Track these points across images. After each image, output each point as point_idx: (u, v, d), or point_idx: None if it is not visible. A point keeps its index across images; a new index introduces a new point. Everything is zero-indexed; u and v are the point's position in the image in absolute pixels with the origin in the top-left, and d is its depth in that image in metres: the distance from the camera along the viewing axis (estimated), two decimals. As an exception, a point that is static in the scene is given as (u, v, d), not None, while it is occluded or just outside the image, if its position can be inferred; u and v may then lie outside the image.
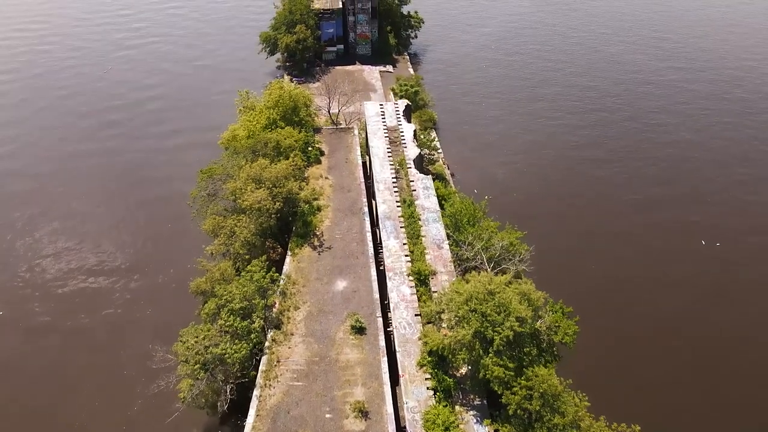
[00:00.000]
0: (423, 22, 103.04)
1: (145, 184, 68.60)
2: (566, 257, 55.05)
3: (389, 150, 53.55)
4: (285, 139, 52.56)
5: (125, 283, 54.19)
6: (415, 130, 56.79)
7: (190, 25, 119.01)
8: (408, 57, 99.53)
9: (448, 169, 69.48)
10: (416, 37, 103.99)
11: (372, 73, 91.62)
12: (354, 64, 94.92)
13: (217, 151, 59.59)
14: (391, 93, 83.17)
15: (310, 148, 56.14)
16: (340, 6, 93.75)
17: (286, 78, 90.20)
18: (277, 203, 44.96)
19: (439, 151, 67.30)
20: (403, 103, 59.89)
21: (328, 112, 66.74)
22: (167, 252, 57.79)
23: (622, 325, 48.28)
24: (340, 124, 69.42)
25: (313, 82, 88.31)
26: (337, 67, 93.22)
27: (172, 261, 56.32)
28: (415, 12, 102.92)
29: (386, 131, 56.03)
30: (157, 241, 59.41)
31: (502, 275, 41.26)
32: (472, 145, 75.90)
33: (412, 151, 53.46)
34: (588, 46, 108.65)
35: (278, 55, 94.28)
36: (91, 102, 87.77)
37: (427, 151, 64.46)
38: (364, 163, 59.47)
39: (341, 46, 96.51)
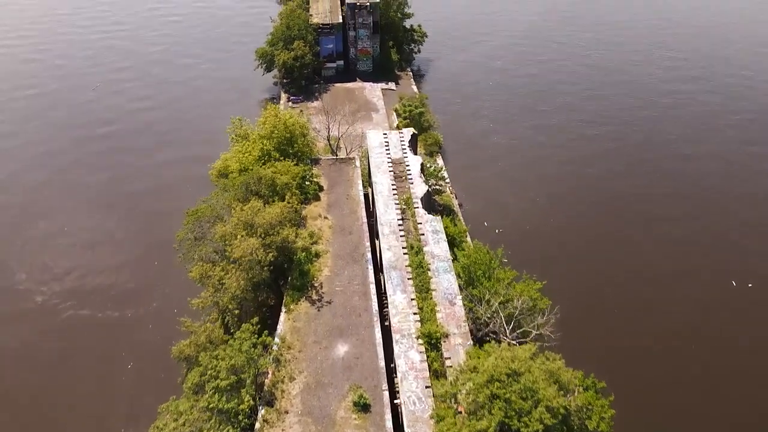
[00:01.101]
0: (426, 36, 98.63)
1: (134, 209, 64.31)
2: (588, 304, 50.43)
3: (394, 186, 48.98)
4: (280, 175, 47.97)
5: (105, 328, 49.70)
6: (422, 164, 52.23)
7: (184, 39, 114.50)
8: (411, 73, 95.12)
9: (456, 198, 64.87)
10: (419, 51, 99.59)
11: (373, 90, 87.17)
12: (354, 80, 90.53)
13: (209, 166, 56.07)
14: (394, 114, 78.78)
15: (307, 183, 51.57)
16: (340, 21, 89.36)
17: (284, 96, 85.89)
18: (270, 254, 40.34)
19: (447, 180, 62.76)
20: (408, 133, 55.33)
21: (327, 139, 62.09)
22: (153, 293, 53.26)
23: (662, 393, 43.66)
24: (340, 149, 64.97)
25: (312, 101, 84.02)
26: (337, 85, 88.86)
27: (158, 304, 51.82)
28: (419, 26, 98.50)
29: (390, 164, 51.48)
30: (142, 279, 54.88)
31: (523, 339, 36.91)
32: (480, 170, 71.32)
33: (419, 188, 48.89)
34: (599, 63, 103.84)
35: (275, 71, 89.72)
36: (80, 118, 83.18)
37: (434, 182, 60.04)
38: (366, 195, 54.98)
39: (341, 62, 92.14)
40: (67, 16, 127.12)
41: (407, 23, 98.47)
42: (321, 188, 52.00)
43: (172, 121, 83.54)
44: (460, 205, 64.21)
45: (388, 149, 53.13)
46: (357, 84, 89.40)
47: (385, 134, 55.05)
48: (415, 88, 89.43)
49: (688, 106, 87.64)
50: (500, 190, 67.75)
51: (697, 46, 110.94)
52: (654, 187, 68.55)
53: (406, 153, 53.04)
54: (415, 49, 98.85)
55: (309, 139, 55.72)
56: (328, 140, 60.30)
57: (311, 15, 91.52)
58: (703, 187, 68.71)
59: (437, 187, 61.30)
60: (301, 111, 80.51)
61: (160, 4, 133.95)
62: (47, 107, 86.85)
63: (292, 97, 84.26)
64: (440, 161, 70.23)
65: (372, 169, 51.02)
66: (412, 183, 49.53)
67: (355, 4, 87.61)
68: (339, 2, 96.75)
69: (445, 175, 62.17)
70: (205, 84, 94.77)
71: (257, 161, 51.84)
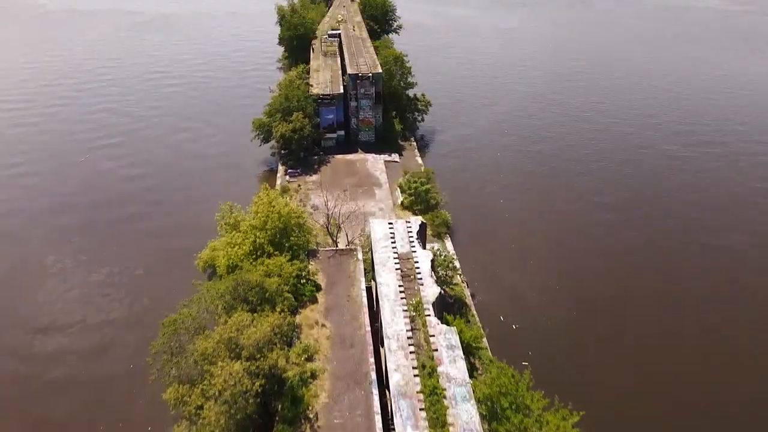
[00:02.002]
0: (430, 105, 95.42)
1: (108, 295, 58.03)
2: None
3: (402, 288, 43.09)
4: (271, 278, 42.23)
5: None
6: (432, 260, 46.53)
7: (180, 106, 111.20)
8: (415, 143, 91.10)
9: (468, 287, 58.95)
10: (423, 120, 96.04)
11: (376, 163, 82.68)
12: (356, 151, 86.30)
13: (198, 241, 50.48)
14: (398, 190, 74.01)
15: (303, 281, 45.70)
16: (341, 91, 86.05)
17: (281, 169, 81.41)
18: (257, 383, 34.00)
19: (457, 268, 56.93)
20: (416, 222, 49.90)
21: (326, 227, 56.52)
22: (125, 405, 46.35)
23: None
24: (341, 231, 59.45)
25: (311, 174, 79.39)
26: (338, 156, 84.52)
27: (130, 420, 44.88)
28: (422, 94, 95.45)
29: (397, 260, 45.76)
30: (116, 383, 48.04)
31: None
32: (492, 253, 65.58)
33: (430, 290, 42.99)
34: (615, 131, 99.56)
35: (273, 141, 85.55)
36: (65, 193, 78.15)
37: (444, 272, 54.27)
38: (369, 288, 49.14)
39: (342, 133, 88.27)
40: (68, 83, 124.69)
41: (410, 92, 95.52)
42: (318, 288, 46.06)
43: (162, 192, 78.55)
44: (473, 296, 58.18)
45: (394, 242, 47.57)
46: (358, 155, 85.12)
47: (391, 224, 49.60)
48: (419, 159, 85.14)
49: (716, 180, 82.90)
50: (515, 277, 61.82)
51: (724, 117, 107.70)
52: (689, 269, 62.75)
53: (414, 246, 47.43)
54: (419, 118, 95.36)
55: (306, 229, 50.21)
56: (327, 228, 54.69)
57: (311, 85, 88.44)
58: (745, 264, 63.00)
59: (448, 276, 55.57)
60: (299, 186, 76.10)
61: (158, 71, 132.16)
62: (25, 183, 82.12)
63: (289, 170, 79.71)
64: (449, 244, 64.78)
65: (376, 267, 45.27)
66: (422, 284, 43.64)
67: (357, 74, 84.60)
68: (340, 72, 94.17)
69: (457, 264, 56.42)
70: (200, 153, 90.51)
71: (248, 256, 46.26)
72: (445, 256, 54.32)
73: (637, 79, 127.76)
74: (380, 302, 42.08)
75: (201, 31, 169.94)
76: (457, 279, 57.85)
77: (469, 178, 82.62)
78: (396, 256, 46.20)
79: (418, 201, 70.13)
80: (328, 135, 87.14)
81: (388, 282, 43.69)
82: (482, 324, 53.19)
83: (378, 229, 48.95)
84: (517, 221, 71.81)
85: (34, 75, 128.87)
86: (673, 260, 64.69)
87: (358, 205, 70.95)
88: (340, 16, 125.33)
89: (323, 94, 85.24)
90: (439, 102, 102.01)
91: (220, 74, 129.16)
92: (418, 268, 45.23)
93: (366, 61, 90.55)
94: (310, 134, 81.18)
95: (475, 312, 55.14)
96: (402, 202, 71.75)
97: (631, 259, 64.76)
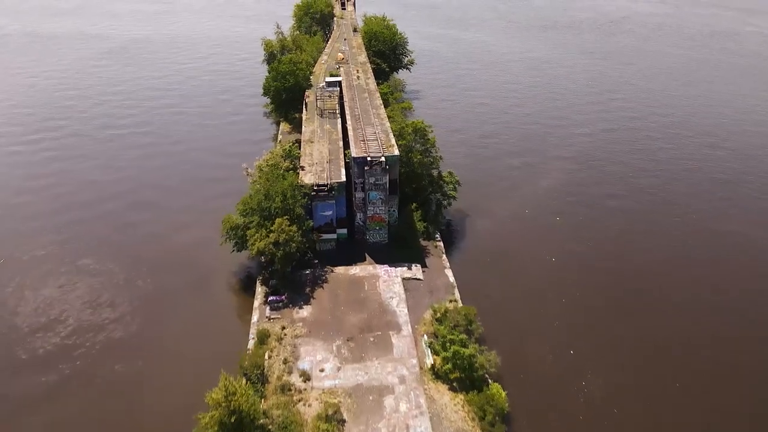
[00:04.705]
0: (459, 184, 72.39)
1: None
2: None
3: None
4: None
5: None
6: None
7: (134, 176, 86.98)
8: (441, 241, 67.77)
9: None
10: (450, 205, 72.98)
11: (391, 283, 59.57)
12: (363, 260, 63.46)
13: None
14: (424, 342, 51.12)
15: None
16: (343, 179, 63.01)
17: (260, 289, 58.79)
18: None
19: None
20: None
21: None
22: None
23: None
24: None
25: (300, 305, 56.45)
26: (338, 270, 61.70)
27: None
28: (449, 172, 72.42)
29: None
30: None
31: None
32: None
33: None
34: (712, 226, 74.99)
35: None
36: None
37: None
38: None
39: (344, 231, 65.47)
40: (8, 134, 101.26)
41: (434, 170, 72.45)
42: None
43: (82, 330, 55.63)
44: None
45: None
46: (366, 268, 62.07)
47: None
48: (450, 275, 61.82)
49: None
50: None
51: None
52: None
53: None
54: (446, 204, 72.28)
55: None
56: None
57: (302, 168, 65.38)
58: None
59: None
60: (284, 329, 53.45)
61: (120, 120, 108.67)
62: None
63: (270, 299, 56.62)
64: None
65: None
66: None
67: (365, 158, 61.61)
68: (341, 143, 71.28)
69: None
70: (156, 251, 67.59)
71: None
72: None
73: (706, 128, 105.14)
74: None
75: (176, 63, 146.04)
76: None
77: (519, 304, 59.39)
78: None
79: (460, 371, 47.19)
80: (325, 236, 64.28)
81: None
82: None
83: None
84: (605, 400, 48.45)
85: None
86: None
87: (368, 370, 48.24)
88: (340, 53, 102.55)
89: (318, 185, 62.28)
90: (463, 166, 79.17)
91: (193, 126, 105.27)
92: None
93: (376, 133, 67.52)
94: (299, 247, 58.06)
95: None
96: (433, 366, 48.83)
97: None
